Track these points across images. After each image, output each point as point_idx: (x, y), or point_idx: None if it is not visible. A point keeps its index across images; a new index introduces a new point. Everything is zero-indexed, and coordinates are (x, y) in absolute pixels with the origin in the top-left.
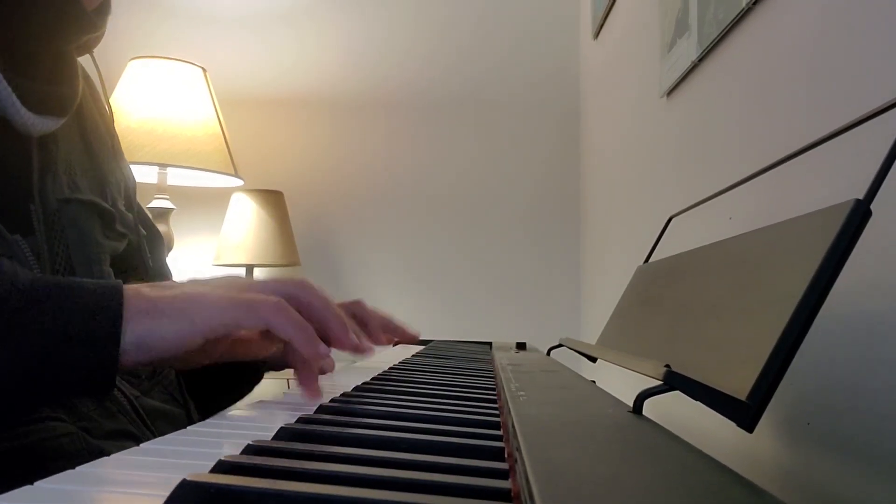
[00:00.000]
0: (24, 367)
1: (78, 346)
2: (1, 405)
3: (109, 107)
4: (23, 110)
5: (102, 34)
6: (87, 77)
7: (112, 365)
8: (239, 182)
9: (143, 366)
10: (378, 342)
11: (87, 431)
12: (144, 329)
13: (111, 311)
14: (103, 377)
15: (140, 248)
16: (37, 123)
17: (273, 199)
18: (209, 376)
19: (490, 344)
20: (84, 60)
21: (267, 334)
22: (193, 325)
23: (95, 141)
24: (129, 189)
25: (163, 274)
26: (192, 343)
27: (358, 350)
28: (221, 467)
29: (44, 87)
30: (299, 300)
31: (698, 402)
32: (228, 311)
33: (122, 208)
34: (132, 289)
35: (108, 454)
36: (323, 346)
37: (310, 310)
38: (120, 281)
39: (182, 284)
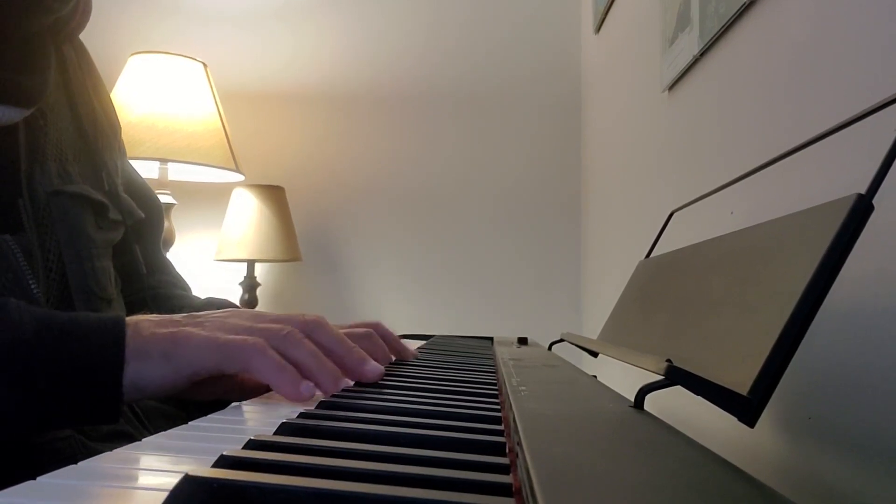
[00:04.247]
0: (33, 407)
1: (82, 390)
2: (7, 433)
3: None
4: None
5: (80, 19)
6: (89, 63)
7: (115, 406)
8: (240, 177)
9: (141, 401)
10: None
11: (84, 434)
12: (135, 372)
13: (112, 357)
14: (107, 416)
15: (129, 241)
16: None
17: (274, 195)
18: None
19: (491, 339)
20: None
21: None
22: (176, 369)
23: (90, 125)
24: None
25: (157, 262)
26: (176, 385)
27: (375, 378)
28: (223, 462)
29: (8, 76)
30: (285, 354)
31: (700, 397)
32: (209, 356)
33: (118, 191)
34: (131, 326)
35: None
36: (305, 385)
37: (298, 366)
38: (121, 320)
39: (178, 322)
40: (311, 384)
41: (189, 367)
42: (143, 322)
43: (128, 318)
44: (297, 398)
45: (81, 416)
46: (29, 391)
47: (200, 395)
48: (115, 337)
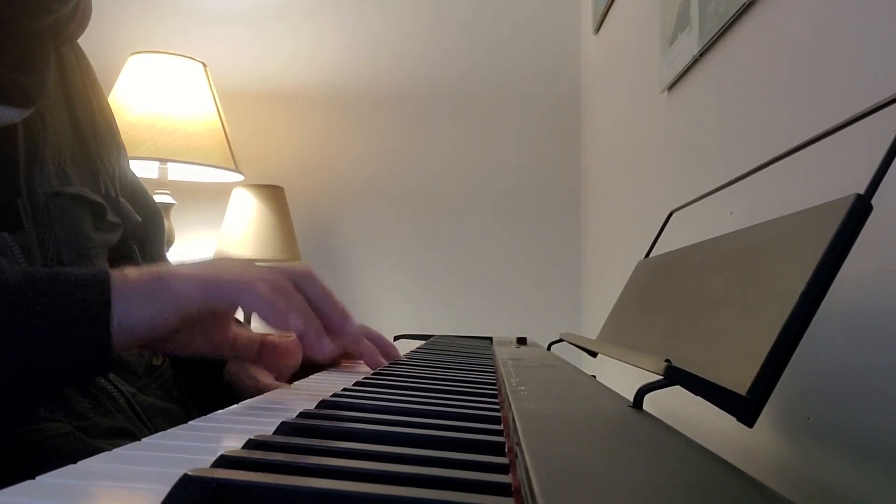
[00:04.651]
0: (23, 363)
1: (71, 342)
2: (2, 400)
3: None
4: None
5: (80, 21)
6: (87, 66)
7: (105, 351)
8: (239, 177)
9: (133, 348)
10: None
11: (83, 431)
12: (120, 312)
13: (99, 302)
14: (97, 367)
15: (129, 242)
16: None
17: (274, 194)
18: (205, 381)
19: (490, 339)
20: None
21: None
22: (163, 305)
23: (89, 129)
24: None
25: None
26: (166, 324)
27: (356, 334)
28: (223, 462)
29: (8, 75)
30: (300, 287)
31: (699, 397)
32: (197, 290)
33: (116, 195)
34: (118, 273)
35: None
36: (294, 319)
37: (311, 298)
38: (106, 269)
39: (166, 266)
40: (300, 317)
41: (176, 303)
42: (131, 269)
43: (114, 270)
44: (285, 328)
45: (72, 366)
46: (16, 341)
47: (192, 346)
48: (101, 282)
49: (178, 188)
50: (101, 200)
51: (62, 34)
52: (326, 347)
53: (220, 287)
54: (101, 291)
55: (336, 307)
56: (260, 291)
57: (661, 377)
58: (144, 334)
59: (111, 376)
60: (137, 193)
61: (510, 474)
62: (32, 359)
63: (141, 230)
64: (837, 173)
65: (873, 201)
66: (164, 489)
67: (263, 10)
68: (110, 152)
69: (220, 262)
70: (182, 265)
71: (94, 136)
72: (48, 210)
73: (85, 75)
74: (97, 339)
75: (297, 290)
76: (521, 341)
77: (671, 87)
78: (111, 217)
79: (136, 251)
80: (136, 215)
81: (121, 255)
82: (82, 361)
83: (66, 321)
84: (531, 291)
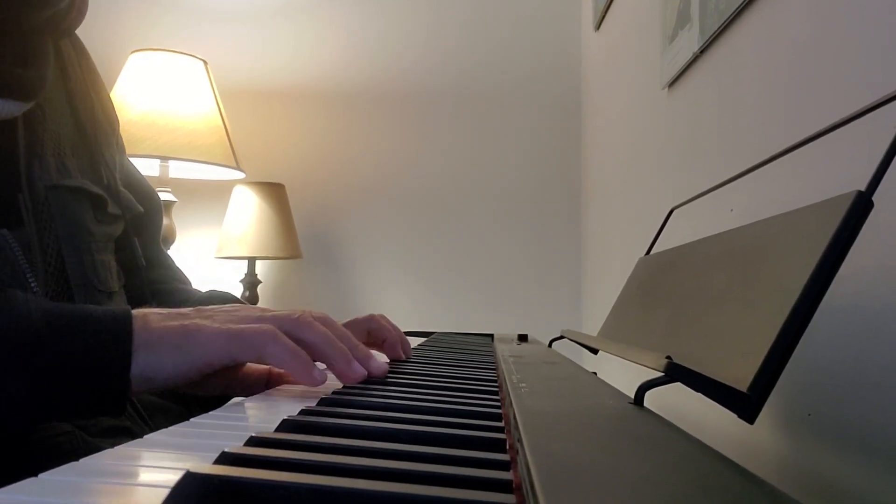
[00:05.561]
0: (39, 397)
1: (87, 387)
2: (14, 424)
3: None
4: None
5: (78, 14)
6: (87, 59)
7: (121, 398)
8: (241, 175)
9: (146, 392)
10: (396, 356)
11: (83, 429)
12: (144, 362)
13: (120, 349)
14: (112, 409)
15: (129, 236)
16: None
17: (275, 192)
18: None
19: (492, 336)
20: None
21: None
22: (189, 360)
23: (89, 120)
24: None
25: (156, 257)
26: (187, 376)
27: (381, 374)
28: (225, 459)
29: (8, 70)
30: (298, 337)
31: (700, 394)
32: (223, 345)
33: (116, 185)
34: (140, 319)
35: None
36: (318, 371)
37: (311, 347)
38: (129, 312)
39: (187, 315)
40: (323, 368)
41: (202, 358)
42: (152, 315)
43: (136, 311)
44: (310, 383)
45: (87, 408)
46: (34, 382)
47: (205, 389)
48: (123, 329)
49: (179, 186)
50: (101, 192)
51: (60, 27)
52: (357, 373)
53: (246, 341)
54: (122, 339)
55: (356, 348)
56: (285, 345)
57: (662, 374)
58: (162, 384)
59: None
60: (137, 184)
61: (511, 471)
62: (47, 397)
63: (140, 221)
64: (838, 170)
65: (874, 198)
66: (167, 486)
67: (264, 7)
68: (110, 144)
69: (241, 309)
70: (201, 312)
71: (94, 128)
72: (48, 204)
73: (84, 69)
74: (114, 387)
75: (314, 332)
76: (522, 338)
77: (672, 84)
78: (112, 208)
79: (137, 245)
80: (138, 205)
81: (120, 247)
82: (95, 405)
83: (85, 366)
84: (532, 289)
